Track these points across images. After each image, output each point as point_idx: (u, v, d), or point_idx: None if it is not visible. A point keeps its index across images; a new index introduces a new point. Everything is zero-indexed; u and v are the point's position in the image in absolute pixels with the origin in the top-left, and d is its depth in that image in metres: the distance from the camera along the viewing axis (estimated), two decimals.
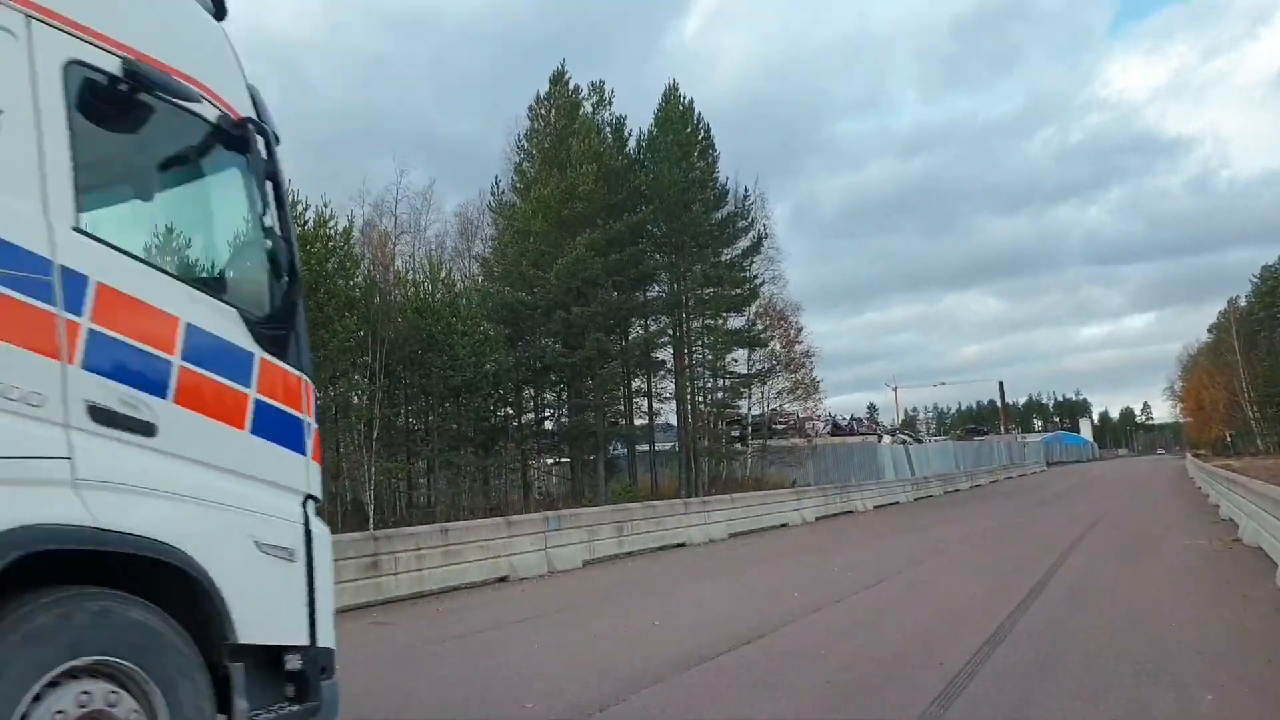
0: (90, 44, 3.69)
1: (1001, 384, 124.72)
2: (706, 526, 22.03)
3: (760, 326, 43.26)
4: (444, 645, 9.57)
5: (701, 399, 41.44)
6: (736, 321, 42.10)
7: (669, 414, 42.34)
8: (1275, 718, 5.85)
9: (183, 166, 4.38)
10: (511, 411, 35.14)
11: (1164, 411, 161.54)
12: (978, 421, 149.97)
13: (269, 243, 4.32)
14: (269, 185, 4.32)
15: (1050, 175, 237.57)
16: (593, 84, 37.29)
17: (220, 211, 4.59)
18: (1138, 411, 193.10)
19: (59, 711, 3.16)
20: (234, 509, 3.96)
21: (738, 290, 40.24)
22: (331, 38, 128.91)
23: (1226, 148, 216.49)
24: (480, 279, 37.42)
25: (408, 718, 6.73)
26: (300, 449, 4.46)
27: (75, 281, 3.46)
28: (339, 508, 24.89)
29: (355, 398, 27.13)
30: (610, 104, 37.61)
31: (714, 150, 39.56)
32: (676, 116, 38.23)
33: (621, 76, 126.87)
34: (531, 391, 37.09)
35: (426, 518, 25.42)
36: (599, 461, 35.07)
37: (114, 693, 3.36)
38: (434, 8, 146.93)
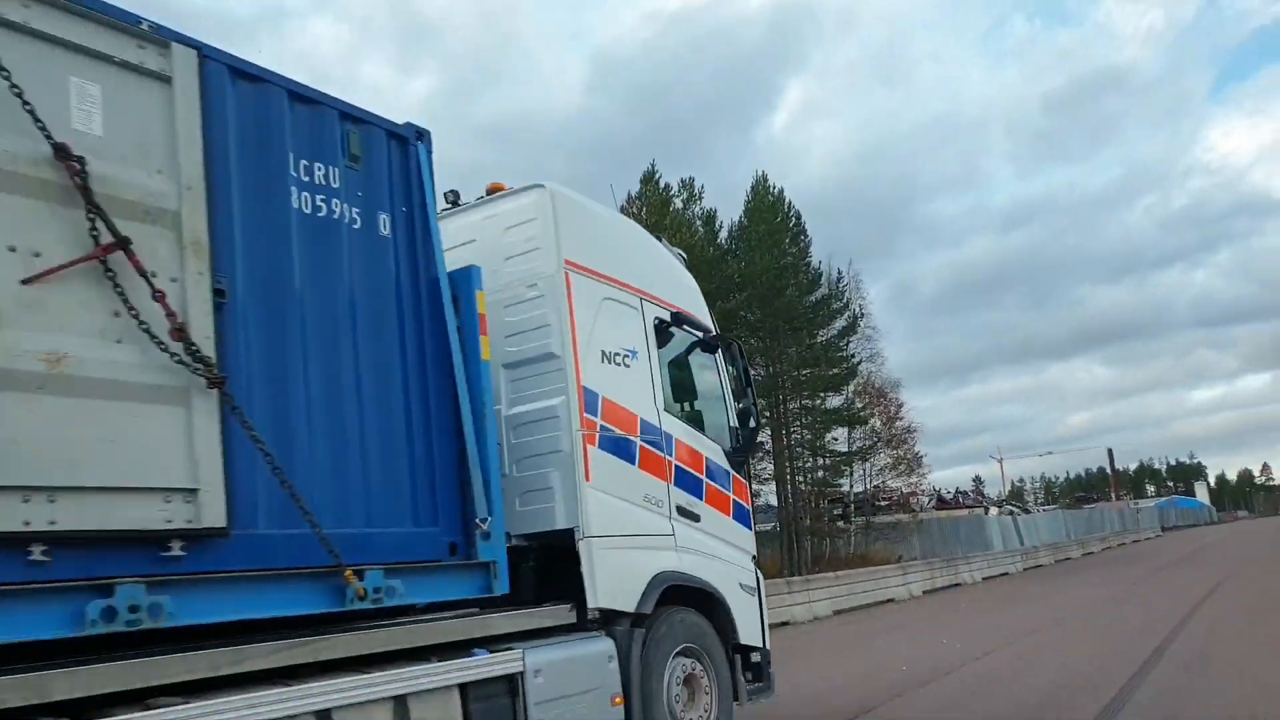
0: (661, 307, 7.05)
1: (1110, 450, 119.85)
2: (810, 605, 22.03)
3: (859, 404, 43.12)
4: None
5: (801, 478, 41.29)
6: (835, 400, 42.11)
7: (769, 494, 42.28)
8: None
9: (693, 365, 7.58)
10: None
11: None
12: (1087, 489, 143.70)
13: (739, 405, 7.73)
14: (740, 370, 7.80)
15: (1154, 242, 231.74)
16: (683, 180, 38.59)
17: (711, 389, 7.72)
18: (1256, 472, 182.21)
19: (681, 671, 6.26)
20: (732, 564, 7.18)
21: (835, 370, 40.42)
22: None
23: None
24: None
25: None
26: (750, 527, 7.76)
27: (668, 440, 6.73)
28: None
29: None
30: (700, 199, 38.80)
31: (805, 235, 40.27)
32: (766, 206, 39.18)
33: (712, 174, 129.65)
34: None
35: None
36: None
37: (696, 664, 6.44)
38: (526, 116, 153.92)
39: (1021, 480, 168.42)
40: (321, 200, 4.72)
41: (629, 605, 5.84)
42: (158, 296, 3.77)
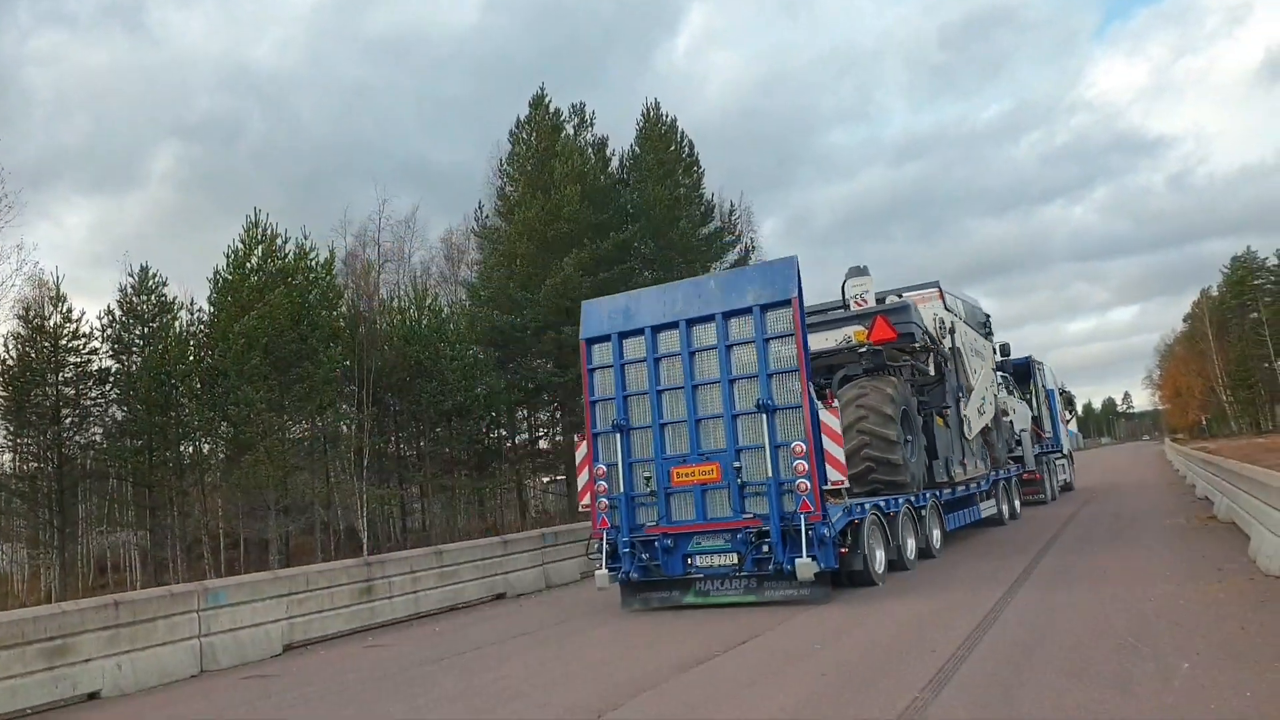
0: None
1: None
2: None
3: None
4: (440, 664, 9.65)
5: None
6: None
7: None
8: (1247, 680, 5.97)
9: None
10: (505, 433, 35.19)
11: (1144, 400, 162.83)
12: None
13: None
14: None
15: (1038, 177, 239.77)
16: (573, 106, 37.54)
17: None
18: (1119, 401, 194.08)
19: None
20: None
21: None
22: (314, 68, 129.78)
23: (1206, 145, 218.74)
24: (467, 303, 37.55)
25: None
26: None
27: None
28: (331, 537, 24.91)
29: (344, 427, 27.18)
30: (592, 125, 37.87)
31: (699, 167, 39.83)
32: (659, 135, 38.52)
33: (613, 97, 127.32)
34: (525, 412, 37.15)
35: (421, 541, 25.46)
36: None
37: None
38: (417, 34, 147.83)
39: None
40: None
41: None
42: None
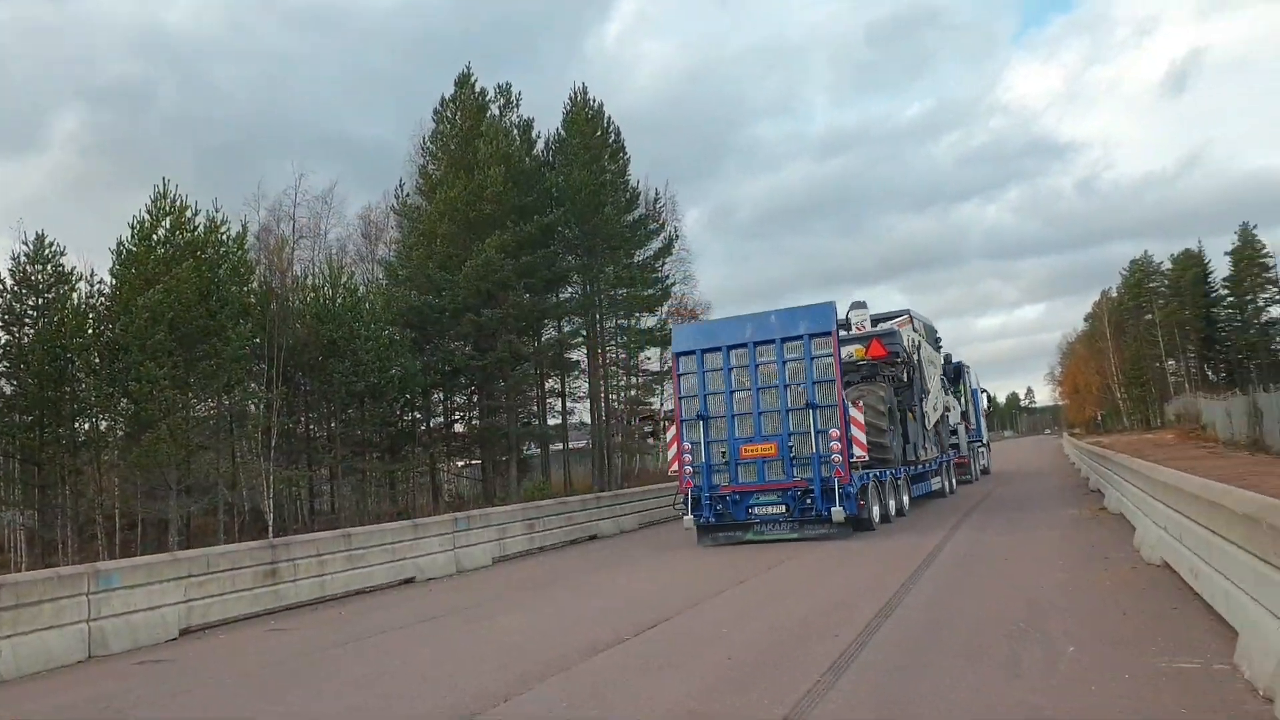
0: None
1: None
2: (617, 519, 22.24)
3: (672, 325, 43.78)
4: (346, 648, 9.48)
5: (615, 397, 41.68)
6: (649, 321, 42.52)
7: (583, 413, 42.49)
8: (1125, 664, 6.29)
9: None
10: (419, 416, 34.67)
11: (1045, 395, 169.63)
12: None
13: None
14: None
15: (955, 176, 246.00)
16: (499, 86, 37.10)
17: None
18: (1022, 395, 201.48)
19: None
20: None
21: (650, 291, 40.65)
22: (233, 35, 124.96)
23: (1113, 151, 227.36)
24: (384, 283, 36.83)
25: None
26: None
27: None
28: (236, 518, 24.23)
29: (252, 406, 26.41)
30: (518, 107, 37.50)
31: (624, 153, 39.80)
32: (585, 120, 38.34)
33: (541, 80, 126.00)
34: (440, 395, 36.67)
35: (330, 524, 24.94)
36: (511, 462, 34.91)
37: None
38: (342, 5, 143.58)
39: None
40: None
41: None
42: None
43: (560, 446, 40.25)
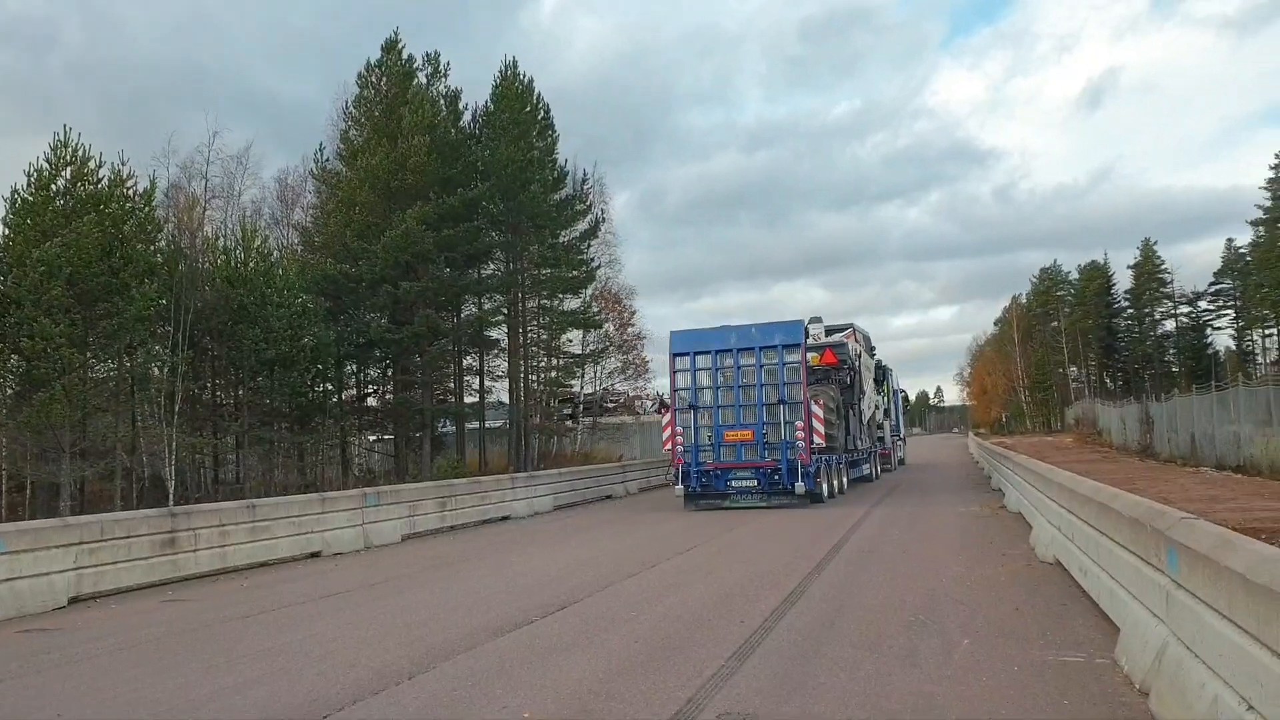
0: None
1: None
2: (532, 500, 22.17)
3: (595, 308, 43.68)
4: (246, 621, 9.25)
5: (535, 377, 41.40)
6: (572, 303, 42.31)
7: (501, 392, 42.13)
8: (1015, 657, 6.56)
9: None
10: (331, 387, 33.87)
11: (953, 395, 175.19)
12: None
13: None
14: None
15: (879, 177, 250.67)
16: (428, 55, 36.19)
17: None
18: (931, 394, 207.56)
19: None
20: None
21: (575, 272, 40.36)
22: None
23: (1030, 161, 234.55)
24: (300, 249, 35.81)
25: (200, 694, 6.47)
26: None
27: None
28: (134, 484, 23.35)
29: (155, 369, 25.44)
30: (446, 76, 36.67)
31: (553, 131, 39.36)
32: (515, 94, 37.74)
33: (471, 50, 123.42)
34: (354, 367, 35.91)
35: (234, 494, 24.23)
36: (425, 438, 34.42)
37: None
38: None
39: None
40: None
41: None
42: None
43: (476, 425, 39.81)
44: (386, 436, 37.50)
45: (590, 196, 41.84)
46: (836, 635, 7.41)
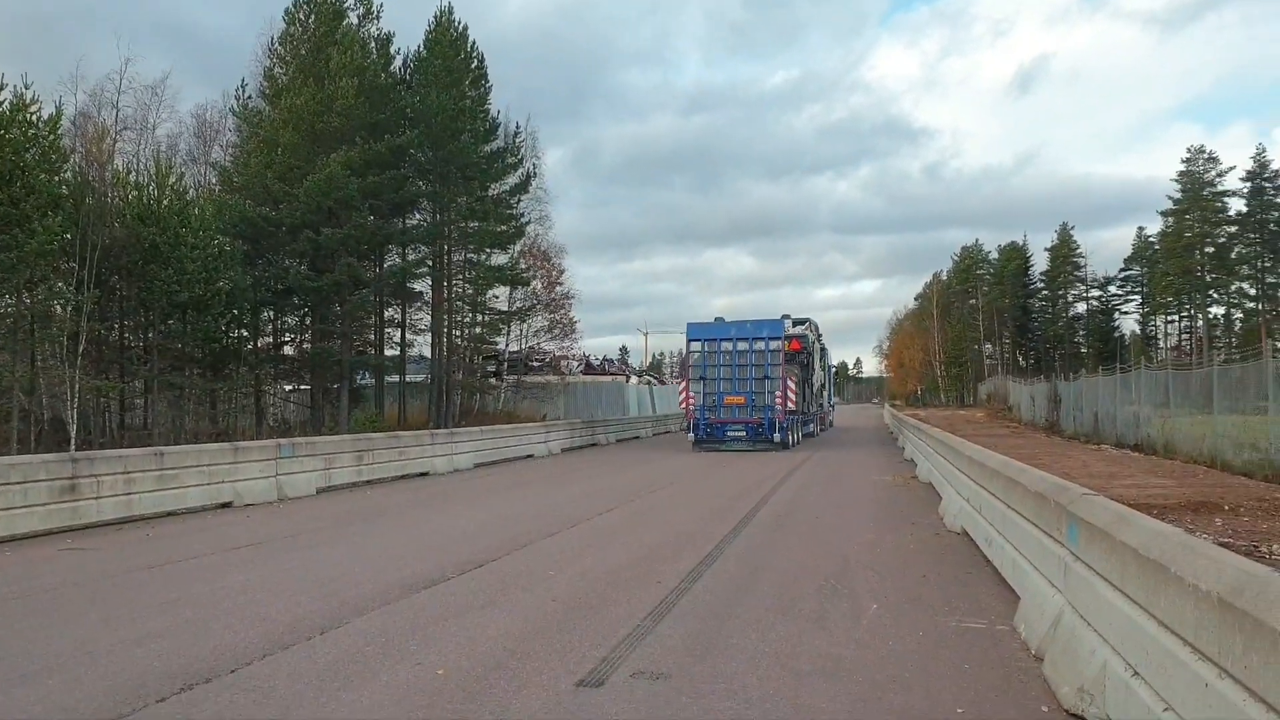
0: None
1: None
2: (453, 457, 21.99)
3: (523, 265, 43.18)
4: (151, 572, 8.99)
5: (459, 333, 40.82)
6: (500, 258, 41.71)
7: (423, 346, 41.48)
8: (921, 622, 6.80)
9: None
10: (247, 334, 32.85)
11: (872, 367, 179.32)
12: None
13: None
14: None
15: (812, 148, 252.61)
16: None
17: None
18: (851, 365, 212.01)
19: None
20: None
21: (503, 227, 39.67)
22: None
23: (960, 141, 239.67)
24: (218, 189, 34.44)
25: (98, 646, 6.27)
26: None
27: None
28: (32, 426, 22.40)
29: (58, 308, 24.30)
30: (378, 19, 35.39)
31: (487, 81, 38.47)
32: (448, 41, 36.70)
33: None
34: (271, 314, 34.89)
35: (141, 440, 23.46)
36: (343, 390, 33.72)
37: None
38: None
39: (662, 354, 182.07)
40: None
41: None
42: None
43: (396, 379, 39.15)
44: (303, 387, 36.62)
45: (522, 150, 41.15)
46: (751, 598, 7.55)
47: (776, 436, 28.18)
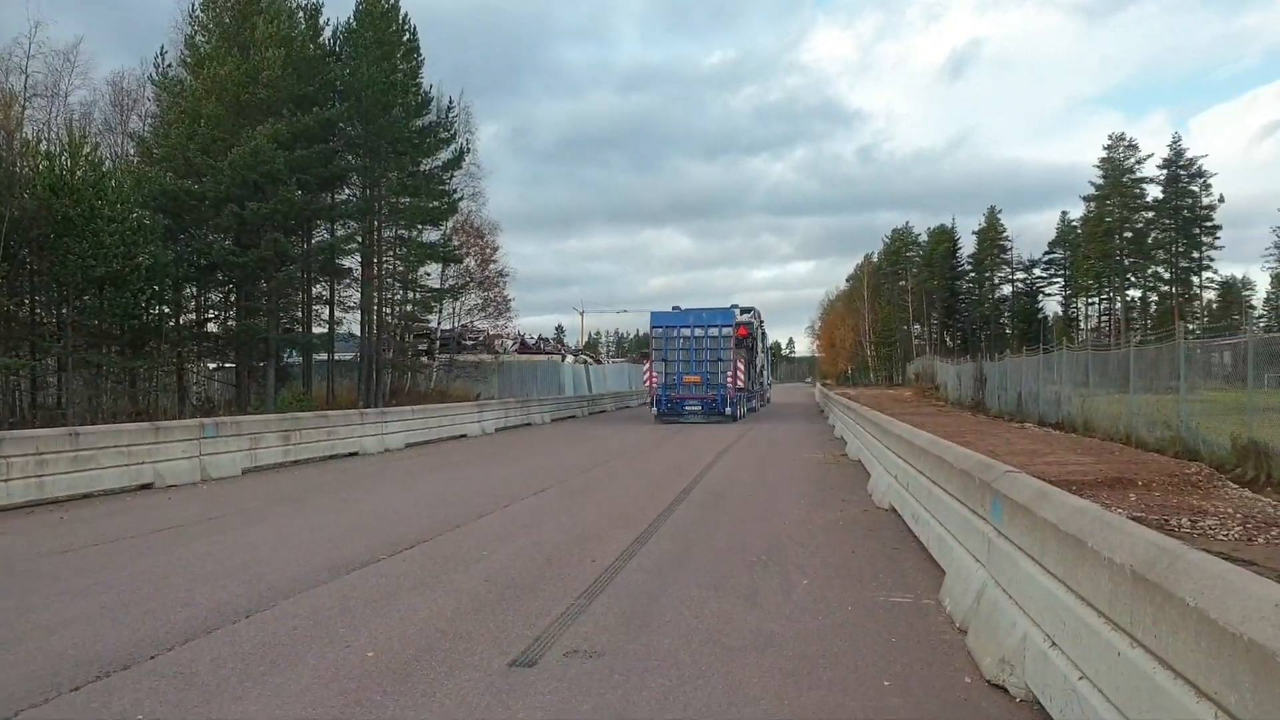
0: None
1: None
2: (383, 437, 21.66)
3: (456, 242, 42.61)
4: (65, 556, 8.68)
5: (389, 310, 40.16)
6: (432, 235, 41.10)
7: (352, 323, 40.71)
8: (849, 598, 6.93)
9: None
10: (169, 310, 31.84)
11: (805, 347, 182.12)
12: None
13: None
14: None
15: (749, 129, 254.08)
16: None
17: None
18: (784, 345, 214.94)
19: None
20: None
21: (435, 203, 39.07)
22: None
23: (893, 125, 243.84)
24: (136, 160, 33.20)
25: (8, 634, 6.03)
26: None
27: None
28: None
29: None
30: None
31: (419, 54, 37.74)
32: (379, 13, 35.88)
33: None
34: (194, 290, 33.86)
35: (55, 420, 22.63)
36: (269, 369, 32.95)
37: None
38: None
39: (598, 333, 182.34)
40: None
41: None
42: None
43: (325, 357, 38.37)
44: (228, 365, 35.67)
45: (455, 125, 40.56)
46: (684, 575, 7.61)
47: (728, 410, 32.30)
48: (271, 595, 6.96)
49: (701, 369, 32.55)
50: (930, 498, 8.13)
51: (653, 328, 33.58)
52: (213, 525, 10.57)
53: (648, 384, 34.35)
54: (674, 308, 33.71)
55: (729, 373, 32.07)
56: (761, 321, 42.24)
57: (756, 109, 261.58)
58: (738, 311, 34.83)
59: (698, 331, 32.76)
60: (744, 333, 34.30)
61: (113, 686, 4.97)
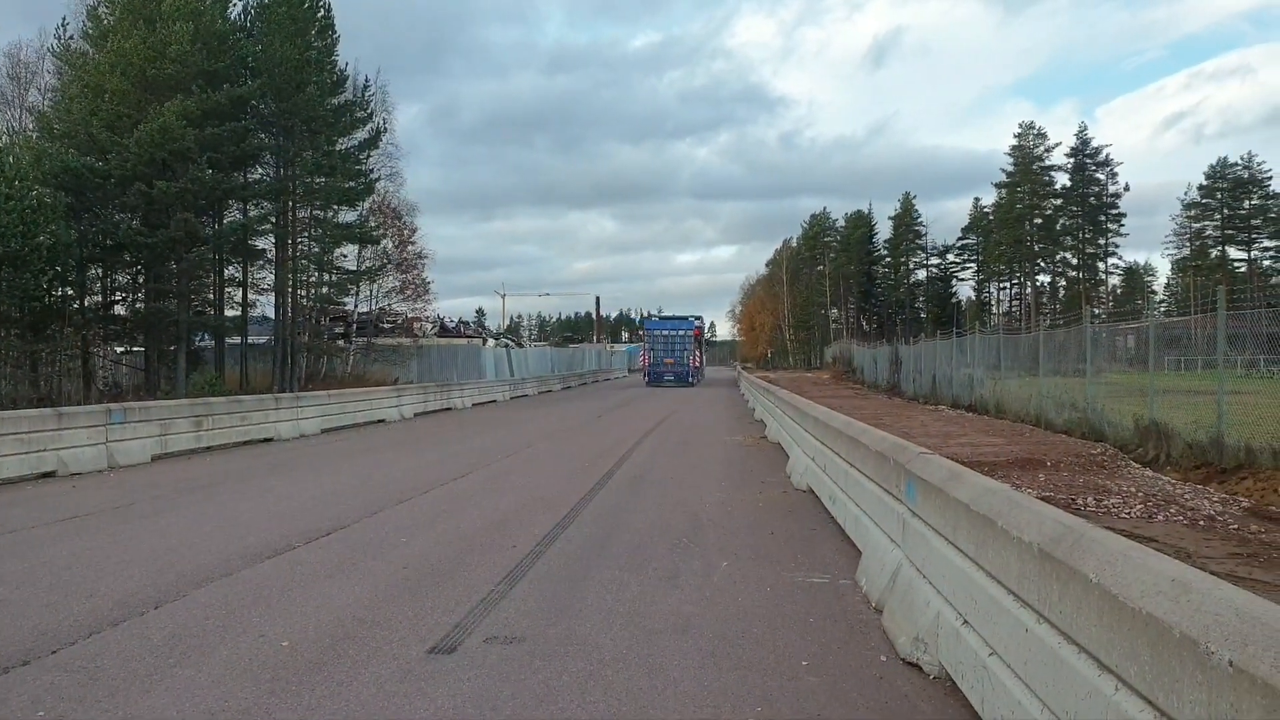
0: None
1: (598, 298, 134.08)
2: (298, 422, 21.18)
3: (373, 223, 41.74)
4: None
5: (304, 293, 39.15)
6: (348, 215, 40.18)
7: (266, 306, 39.62)
8: (768, 577, 7.06)
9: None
10: (72, 292, 30.49)
11: (726, 330, 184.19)
12: (575, 331, 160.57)
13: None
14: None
15: (674, 113, 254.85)
16: None
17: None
18: (707, 330, 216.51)
19: None
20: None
21: (352, 183, 38.13)
22: None
23: (816, 112, 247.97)
24: (36, 135, 31.63)
25: None
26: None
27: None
28: None
29: None
30: None
31: (334, 31, 36.73)
32: None
33: None
34: (99, 271, 32.50)
35: None
36: (180, 353, 31.84)
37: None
38: None
39: (520, 316, 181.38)
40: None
41: None
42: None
43: (238, 340, 37.25)
44: (136, 349, 34.35)
45: (372, 104, 39.66)
46: (606, 558, 7.64)
47: (691, 380, 54.42)
48: (182, 585, 6.76)
49: (673, 355, 54.74)
50: (847, 479, 8.31)
51: (646, 330, 60.33)
52: (119, 514, 10.21)
53: (643, 364, 60.18)
54: (659, 313, 52.55)
55: (690, 359, 54.87)
56: (704, 326, 65.42)
57: (682, 93, 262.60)
58: (694, 320, 58.13)
59: (674, 334, 55.59)
60: (698, 333, 58.03)
61: (9, 683, 4.77)
